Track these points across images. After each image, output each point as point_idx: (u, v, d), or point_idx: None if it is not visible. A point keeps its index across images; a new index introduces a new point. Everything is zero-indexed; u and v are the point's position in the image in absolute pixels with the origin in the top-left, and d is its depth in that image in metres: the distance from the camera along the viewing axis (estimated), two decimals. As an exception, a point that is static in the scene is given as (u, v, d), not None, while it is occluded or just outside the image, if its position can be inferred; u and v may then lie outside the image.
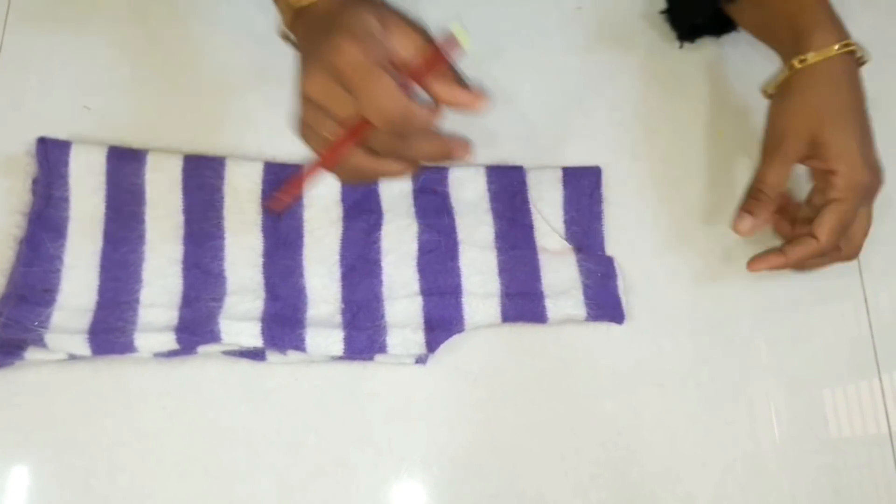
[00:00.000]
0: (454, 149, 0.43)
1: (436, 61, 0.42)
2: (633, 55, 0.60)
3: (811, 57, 0.49)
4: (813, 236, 0.49)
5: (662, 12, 0.60)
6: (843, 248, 0.51)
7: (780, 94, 0.52)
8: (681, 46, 0.60)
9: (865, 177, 0.48)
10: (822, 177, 0.50)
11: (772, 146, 0.51)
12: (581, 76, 0.59)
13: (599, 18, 0.61)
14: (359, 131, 0.40)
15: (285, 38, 0.46)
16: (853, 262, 0.55)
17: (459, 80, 0.44)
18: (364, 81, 0.39)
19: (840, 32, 0.50)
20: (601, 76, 0.59)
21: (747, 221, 0.51)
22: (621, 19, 0.61)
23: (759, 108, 0.58)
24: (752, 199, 0.51)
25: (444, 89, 0.42)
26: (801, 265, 0.52)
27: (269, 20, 0.56)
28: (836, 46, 0.49)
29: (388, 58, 0.41)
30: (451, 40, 0.42)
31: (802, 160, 0.50)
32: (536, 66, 0.59)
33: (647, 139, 0.58)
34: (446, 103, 0.43)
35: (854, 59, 0.50)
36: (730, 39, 0.60)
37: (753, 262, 0.51)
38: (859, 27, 0.61)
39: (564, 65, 0.59)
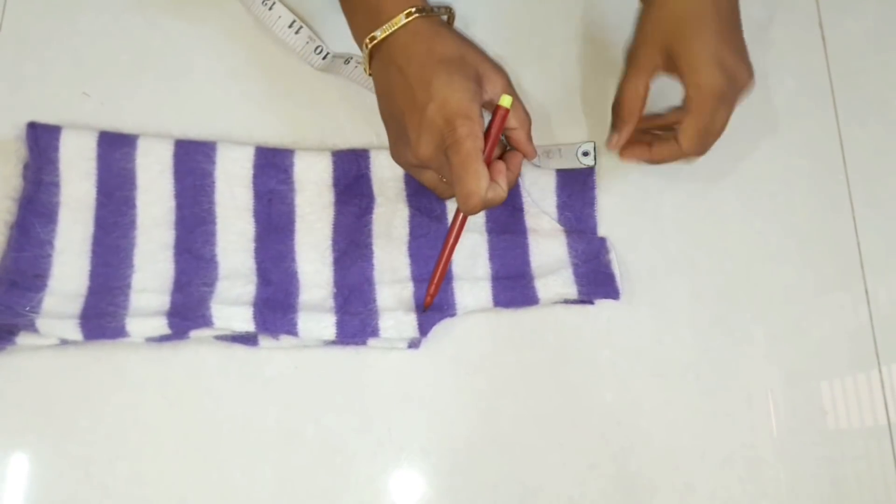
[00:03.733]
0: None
1: (502, 124, 0.50)
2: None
3: None
4: (677, 141, 0.51)
5: None
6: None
7: (644, 2, 0.53)
8: None
9: (717, 84, 0.49)
10: (683, 88, 0.52)
11: (629, 59, 0.53)
12: (582, 65, 0.60)
13: (602, 7, 0.62)
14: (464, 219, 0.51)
15: (370, 74, 0.52)
16: (855, 255, 0.58)
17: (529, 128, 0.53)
18: (464, 172, 0.46)
19: None
20: (603, 65, 0.60)
21: (612, 138, 0.54)
22: (624, 8, 0.62)
23: (761, 100, 0.61)
24: (615, 116, 0.54)
25: (526, 148, 0.53)
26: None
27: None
28: None
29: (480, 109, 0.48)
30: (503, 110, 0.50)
31: (661, 71, 0.52)
32: (538, 55, 0.60)
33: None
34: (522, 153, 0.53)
35: None
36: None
37: (623, 153, 0.54)
38: (863, 17, 0.65)
39: (566, 53, 0.61)
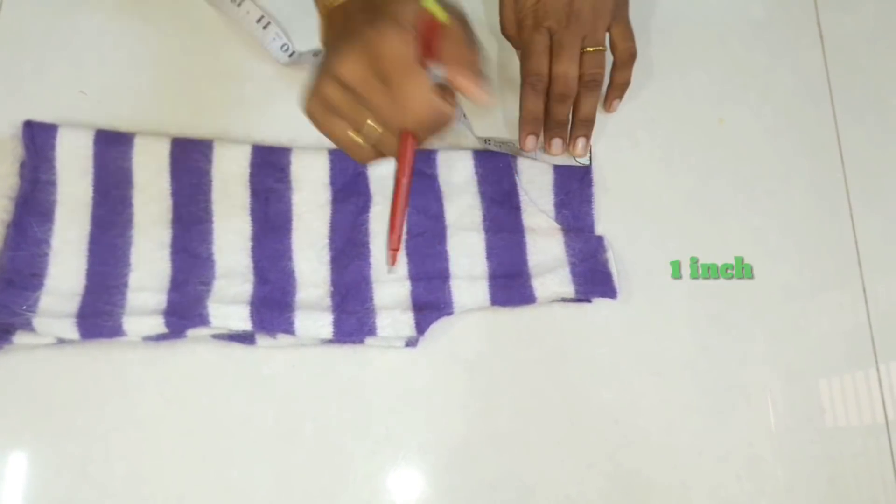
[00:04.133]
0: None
1: (431, 35, 0.42)
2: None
3: None
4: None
5: None
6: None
7: None
8: None
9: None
10: None
11: None
12: None
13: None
14: (411, 145, 0.43)
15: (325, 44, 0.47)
16: (853, 253, 0.58)
17: (477, 71, 0.44)
18: (404, 77, 0.40)
19: None
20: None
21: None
22: None
23: (759, 99, 0.61)
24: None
25: (462, 81, 0.43)
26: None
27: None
28: None
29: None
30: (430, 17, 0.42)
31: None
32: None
33: (646, 126, 0.60)
34: (458, 89, 0.43)
35: None
36: (732, 31, 0.63)
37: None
38: (861, 16, 0.65)
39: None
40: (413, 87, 0.41)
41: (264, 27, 0.57)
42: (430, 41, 0.42)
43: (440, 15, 0.42)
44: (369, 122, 0.42)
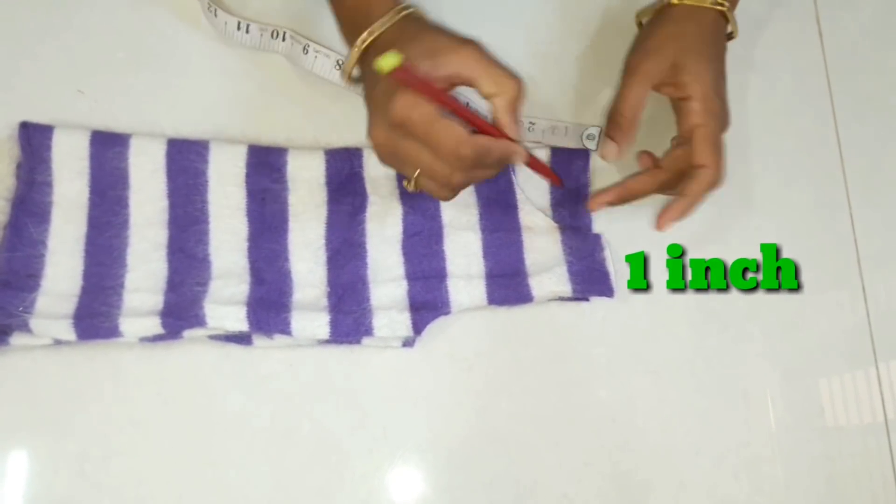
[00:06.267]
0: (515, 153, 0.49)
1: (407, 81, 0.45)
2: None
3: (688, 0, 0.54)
4: (700, 166, 0.52)
5: None
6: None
7: (650, 22, 0.57)
8: None
9: (716, 106, 0.52)
10: (679, 108, 0.54)
11: (633, 67, 0.54)
12: (579, 63, 0.61)
13: (599, 4, 0.63)
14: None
15: (348, 80, 0.51)
16: (853, 252, 0.59)
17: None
18: (429, 133, 0.44)
19: None
20: (599, 63, 0.61)
21: (611, 147, 0.55)
22: (621, 6, 0.63)
23: (758, 97, 0.62)
24: (613, 124, 0.55)
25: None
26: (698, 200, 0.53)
27: (260, 5, 0.60)
28: (711, 2, 0.54)
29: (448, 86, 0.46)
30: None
31: (661, 84, 0.54)
32: (536, 53, 0.61)
33: (644, 124, 0.60)
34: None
35: (724, 23, 0.55)
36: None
37: (661, 221, 0.53)
38: (861, 14, 0.66)
39: (563, 51, 0.62)
40: (443, 136, 0.44)
41: (247, 31, 0.57)
42: (422, 85, 0.45)
43: (391, 61, 0.43)
44: (418, 174, 0.47)
